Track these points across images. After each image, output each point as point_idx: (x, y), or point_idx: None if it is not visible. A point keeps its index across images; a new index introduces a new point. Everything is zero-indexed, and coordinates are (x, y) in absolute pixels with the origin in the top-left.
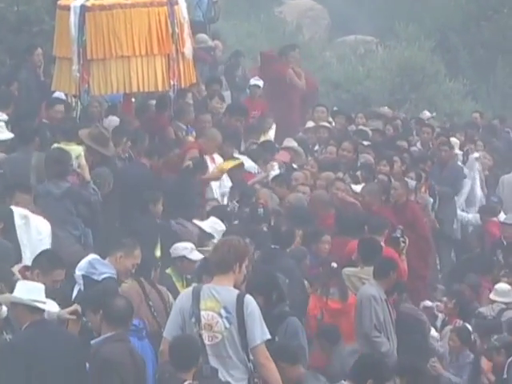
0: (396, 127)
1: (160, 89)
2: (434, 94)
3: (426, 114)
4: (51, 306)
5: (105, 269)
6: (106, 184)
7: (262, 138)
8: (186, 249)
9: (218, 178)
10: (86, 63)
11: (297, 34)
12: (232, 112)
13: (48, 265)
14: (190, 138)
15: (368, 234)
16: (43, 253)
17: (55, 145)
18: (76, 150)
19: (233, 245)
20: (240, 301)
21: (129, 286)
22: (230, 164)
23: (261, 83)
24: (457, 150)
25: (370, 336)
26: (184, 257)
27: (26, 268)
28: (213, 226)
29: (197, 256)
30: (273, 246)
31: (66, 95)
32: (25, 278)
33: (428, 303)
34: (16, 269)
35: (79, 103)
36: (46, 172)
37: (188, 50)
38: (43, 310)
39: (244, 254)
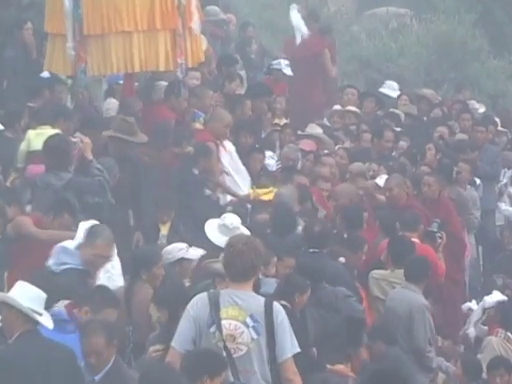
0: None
1: (164, 68)
2: (476, 74)
3: (475, 105)
4: (47, 321)
5: (68, 259)
6: (111, 175)
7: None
8: (181, 249)
9: (243, 202)
10: (83, 40)
11: (321, 5)
12: (256, 93)
13: (100, 303)
14: (198, 126)
15: (400, 231)
16: (96, 289)
17: (29, 131)
18: (51, 132)
19: (258, 249)
20: (269, 308)
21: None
22: (265, 193)
23: (288, 70)
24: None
25: (424, 351)
26: (182, 258)
27: (74, 305)
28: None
29: (195, 253)
30: (311, 250)
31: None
32: (71, 315)
33: (469, 305)
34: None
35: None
36: (45, 162)
37: (196, 24)
38: (37, 321)
39: (267, 258)
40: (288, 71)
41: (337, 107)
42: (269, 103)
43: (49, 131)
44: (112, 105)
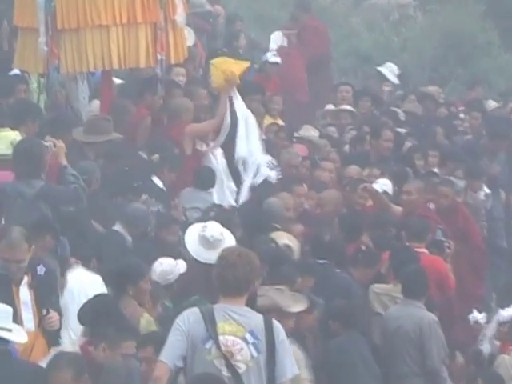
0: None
1: (145, 64)
2: (485, 69)
3: (491, 103)
4: (19, 336)
5: None
6: (93, 180)
7: (268, 122)
8: (176, 265)
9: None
10: (56, 34)
11: None
12: (245, 91)
13: (117, 336)
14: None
15: (406, 240)
16: (110, 322)
17: None
18: (10, 135)
19: (251, 261)
20: (269, 326)
21: None
22: (240, 66)
23: (279, 60)
24: None
25: (439, 372)
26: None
27: (89, 342)
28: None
29: (184, 265)
30: (321, 261)
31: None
32: (87, 354)
33: (476, 317)
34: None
35: (43, 84)
36: (15, 169)
37: (180, 16)
38: (7, 340)
39: (260, 271)
40: (275, 59)
41: (330, 106)
42: (264, 103)
43: (7, 134)
44: (95, 107)
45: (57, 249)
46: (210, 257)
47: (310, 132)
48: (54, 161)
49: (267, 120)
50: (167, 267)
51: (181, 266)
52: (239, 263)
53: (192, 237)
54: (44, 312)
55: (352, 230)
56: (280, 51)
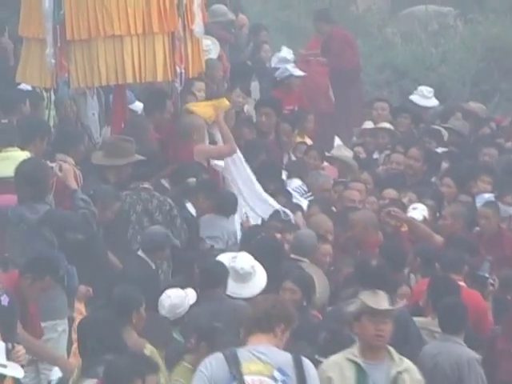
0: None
1: (163, 78)
2: None
3: None
4: (15, 371)
5: None
6: (107, 208)
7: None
8: (186, 297)
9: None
10: (65, 45)
11: (347, 4)
12: (260, 105)
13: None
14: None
15: (441, 271)
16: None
17: None
18: (19, 156)
19: (279, 301)
20: (298, 363)
21: None
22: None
23: (302, 73)
24: None
25: None
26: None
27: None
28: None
29: (194, 295)
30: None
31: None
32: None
33: None
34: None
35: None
36: (17, 192)
37: (198, 26)
38: (4, 376)
39: (291, 318)
40: (298, 72)
41: (368, 124)
42: (292, 120)
43: (16, 154)
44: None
45: (63, 278)
46: (239, 291)
47: (342, 152)
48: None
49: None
50: (176, 300)
51: (190, 296)
52: (262, 301)
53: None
54: (9, 346)
55: (396, 261)
56: (298, 59)
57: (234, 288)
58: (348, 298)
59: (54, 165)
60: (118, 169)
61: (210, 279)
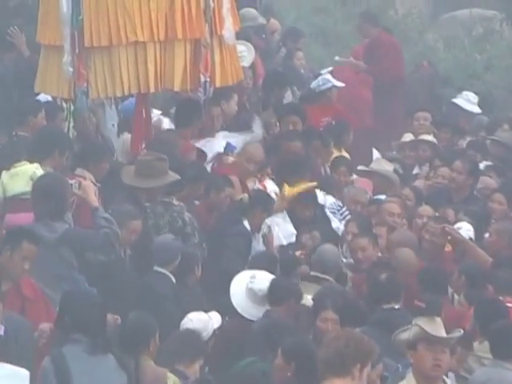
0: None
1: (180, 87)
2: None
3: None
4: None
5: None
6: (127, 228)
7: (336, 154)
8: (209, 321)
9: (280, 210)
10: (84, 53)
11: (386, 8)
12: (286, 113)
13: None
14: (230, 160)
15: (495, 294)
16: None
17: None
18: (28, 169)
19: (353, 338)
20: None
21: None
22: (299, 188)
23: (341, 84)
24: None
25: None
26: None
27: None
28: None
29: (218, 319)
30: (385, 307)
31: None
32: None
33: None
34: None
35: (70, 110)
36: (34, 209)
37: (228, 31)
38: None
39: (369, 354)
40: (339, 82)
41: (408, 136)
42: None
43: (25, 168)
44: (126, 141)
45: None
46: (257, 313)
47: (382, 165)
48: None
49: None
50: (199, 324)
51: (215, 320)
52: (333, 340)
53: (239, 287)
54: None
55: (436, 287)
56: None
57: (250, 310)
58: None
59: (73, 182)
60: (151, 190)
61: None
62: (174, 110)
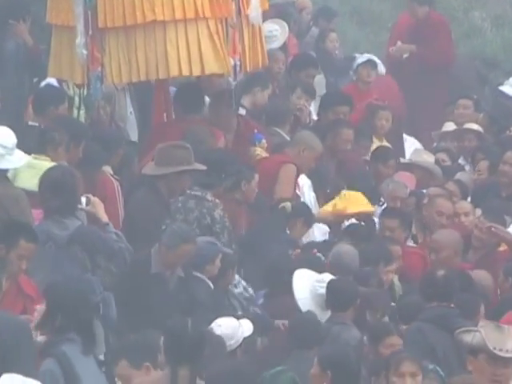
0: None
1: (217, 70)
2: None
3: None
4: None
5: None
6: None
7: (377, 144)
8: (239, 327)
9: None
10: (98, 34)
11: None
12: (329, 102)
13: None
14: (259, 151)
15: None
16: None
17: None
18: (46, 167)
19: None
20: None
21: None
22: (357, 207)
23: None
24: None
25: None
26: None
27: None
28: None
29: (250, 326)
30: (436, 304)
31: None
32: None
33: None
34: None
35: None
36: (42, 205)
37: (255, 11)
38: None
39: None
40: (381, 68)
41: (449, 126)
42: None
43: (44, 164)
44: None
45: (98, 307)
46: (324, 317)
47: (422, 157)
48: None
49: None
50: (228, 330)
51: (245, 327)
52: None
53: (304, 292)
54: None
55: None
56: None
57: (320, 316)
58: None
59: (82, 198)
60: (168, 178)
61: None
62: (175, 96)
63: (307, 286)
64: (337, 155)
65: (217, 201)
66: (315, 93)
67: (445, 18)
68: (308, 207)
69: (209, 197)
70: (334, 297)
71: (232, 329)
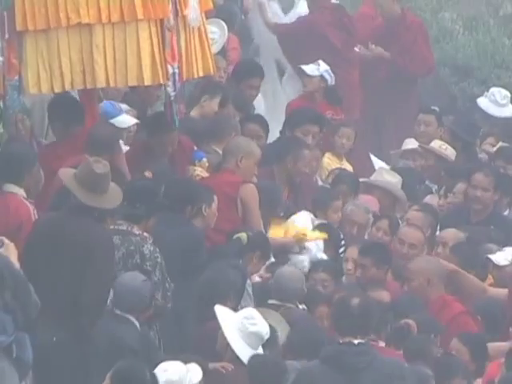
0: None
1: (151, 81)
2: None
3: None
4: None
5: None
6: None
7: (336, 164)
8: (186, 373)
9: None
10: (16, 38)
11: None
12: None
13: None
14: (198, 171)
15: None
16: None
17: None
18: None
19: None
20: None
21: None
22: (315, 235)
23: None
24: None
25: None
26: None
27: None
28: None
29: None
30: None
31: None
32: None
33: None
34: None
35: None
36: None
37: (194, 11)
38: None
39: None
40: (329, 77)
41: (410, 142)
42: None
43: None
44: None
45: (11, 349)
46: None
47: (384, 177)
48: None
49: (330, 161)
50: (174, 376)
51: (194, 373)
52: None
53: (233, 331)
54: None
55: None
56: None
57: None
58: None
59: None
60: None
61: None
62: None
63: (235, 324)
64: (294, 178)
65: (145, 234)
66: (250, 109)
67: (420, 20)
68: (266, 238)
69: (136, 230)
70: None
71: (179, 374)
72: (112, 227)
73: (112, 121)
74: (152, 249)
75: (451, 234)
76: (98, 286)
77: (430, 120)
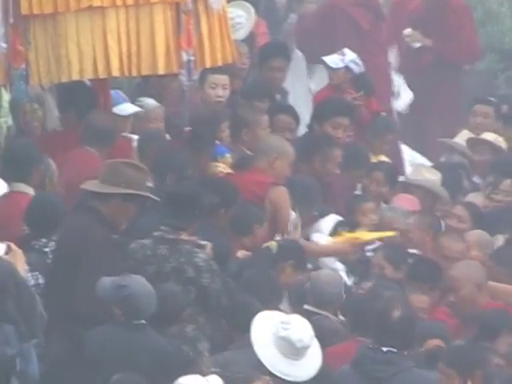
0: None
1: (165, 70)
2: None
3: None
4: None
5: None
6: None
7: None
8: None
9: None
10: (21, 23)
11: None
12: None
13: None
14: (221, 167)
15: None
16: None
17: None
18: None
19: None
20: None
21: None
22: (377, 234)
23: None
24: None
25: None
26: None
27: None
28: None
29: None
30: None
31: None
32: None
33: None
34: None
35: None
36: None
37: None
38: None
39: None
40: (356, 67)
41: (464, 135)
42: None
43: None
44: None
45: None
46: (289, 371)
47: (423, 175)
48: None
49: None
50: None
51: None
52: None
53: (263, 338)
54: None
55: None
56: None
57: (284, 366)
58: None
59: (2, 244)
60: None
61: None
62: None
63: (269, 328)
64: (324, 178)
65: (193, 238)
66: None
67: (466, 2)
68: (299, 247)
69: (184, 237)
70: None
71: None
72: (156, 234)
73: (114, 109)
74: (204, 257)
75: (475, 236)
76: (90, 289)
77: (488, 111)
